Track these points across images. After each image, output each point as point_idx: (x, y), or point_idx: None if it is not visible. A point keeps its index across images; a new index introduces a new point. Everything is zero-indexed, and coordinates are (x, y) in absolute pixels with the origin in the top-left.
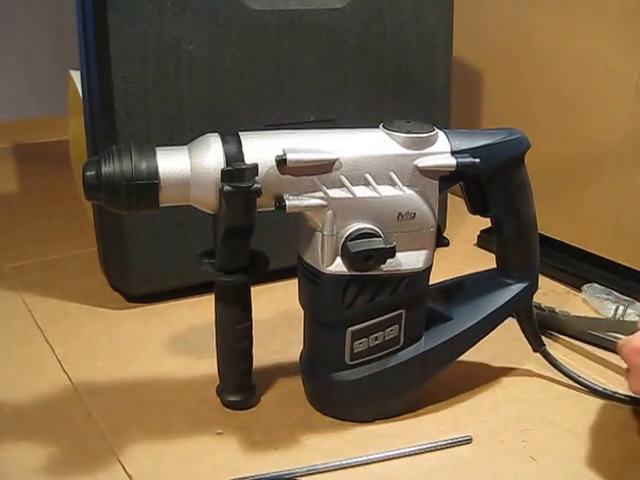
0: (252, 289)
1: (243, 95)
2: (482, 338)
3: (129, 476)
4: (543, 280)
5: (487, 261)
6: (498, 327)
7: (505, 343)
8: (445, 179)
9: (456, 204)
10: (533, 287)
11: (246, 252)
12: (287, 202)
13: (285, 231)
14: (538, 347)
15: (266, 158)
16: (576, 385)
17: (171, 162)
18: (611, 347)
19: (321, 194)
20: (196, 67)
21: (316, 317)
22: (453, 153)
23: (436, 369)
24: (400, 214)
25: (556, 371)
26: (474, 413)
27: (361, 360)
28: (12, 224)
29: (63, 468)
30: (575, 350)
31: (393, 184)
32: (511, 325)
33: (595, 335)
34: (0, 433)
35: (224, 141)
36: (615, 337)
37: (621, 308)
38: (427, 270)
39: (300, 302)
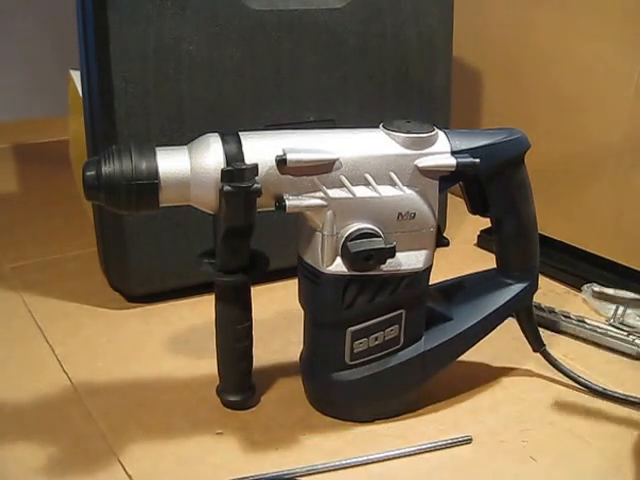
0: (252, 289)
1: (243, 95)
2: (482, 338)
3: (129, 476)
4: (543, 280)
5: (487, 261)
6: (498, 327)
7: (505, 343)
8: (445, 179)
9: (456, 204)
10: (533, 287)
11: (246, 252)
12: (287, 202)
13: (285, 231)
14: (538, 347)
15: (266, 158)
16: (576, 385)
17: (171, 162)
18: (611, 347)
19: (321, 194)
20: (196, 67)
21: (316, 317)
22: (453, 153)
23: (436, 369)
24: (400, 214)
25: (556, 371)
26: (474, 413)
27: (361, 360)
28: (12, 224)
29: (63, 468)
30: (575, 350)
31: (393, 184)
32: (511, 325)
33: (595, 335)
34: (0, 433)
35: (224, 141)
36: (615, 337)
37: (621, 308)
38: (427, 270)
39: (300, 302)
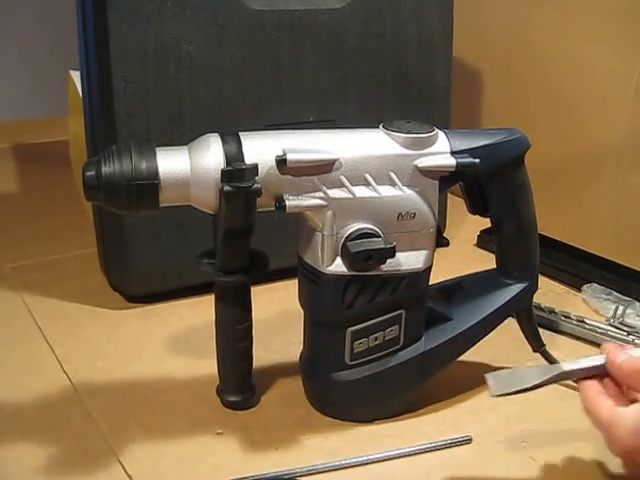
0: (252, 289)
1: (243, 95)
2: (482, 338)
3: (129, 476)
4: (543, 280)
5: (487, 261)
6: (498, 327)
7: (505, 343)
8: (445, 179)
9: (456, 204)
10: (533, 287)
11: (246, 252)
12: (287, 202)
13: (285, 231)
14: (538, 347)
15: (266, 158)
16: (576, 385)
17: (171, 162)
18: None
19: (321, 194)
20: (196, 67)
21: (316, 317)
22: (453, 153)
23: (436, 369)
24: (400, 214)
25: None
26: (474, 413)
27: (361, 360)
28: (12, 224)
29: (63, 468)
30: (575, 350)
31: (393, 184)
32: (511, 325)
33: (595, 335)
34: (0, 433)
35: (224, 141)
36: (615, 337)
37: (621, 308)
38: (427, 270)
39: (300, 302)
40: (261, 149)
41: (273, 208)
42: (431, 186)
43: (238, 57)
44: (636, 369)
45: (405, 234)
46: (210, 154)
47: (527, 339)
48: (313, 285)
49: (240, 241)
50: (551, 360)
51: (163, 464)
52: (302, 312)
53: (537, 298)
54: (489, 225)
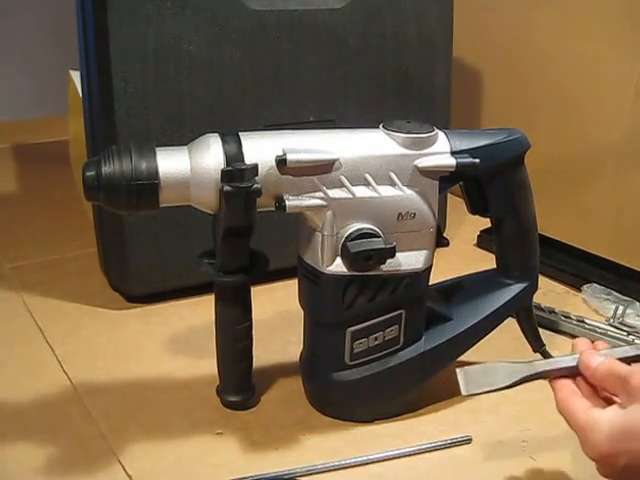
0: (252, 289)
1: (243, 95)
2: (482, 338)
3: (129, 476)
4: (543, 280)
5: (487, 261)
6: (498, 327)
7: (505, 343)
8: (445, 179)
9: (456, 204)
10: (533, 287)
11: (246, 252)
12: (287, 202)
13: (285, 231)
14: (538, 347)
15: (266, 158)
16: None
17: (171, 162)
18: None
19: (321, 194)
20: (196, 67)
21: (316, 317)
22: (453, 153)
23: (436, 369)
24: (400, 214)
25: None
26: (474, 413)
27: (361, 360)
28: (12, 224)
29: (63, 468)
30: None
31: (393, 184)
32: (511, 325)
33: (595, 335)
34: (0, 433)
35: (224, 141)
36: (615, 337)
37: (621, 308)
38: (427, 270)
39: (300, 302)
40: (261, 149)
41: (273, 208)
42: (431, 186)
43: (238, 57)
44: (610, 372)
45: (405, 234)
46: (210, 154)
47: (527, 339)
48: (313, 285)
49: (240, 241)
50: None
51: (163, 464)
52: (302, 312)
53: (537, 298)
54: (489, 225)
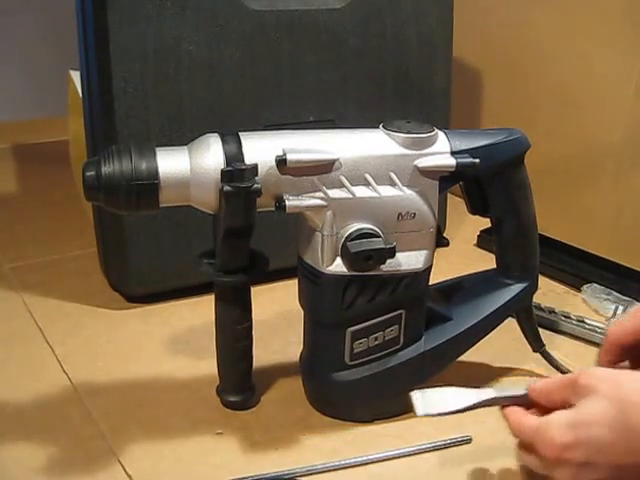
0: (252, 289)
1: (243, 95)
2: (482, 338)
3: (129, 476)
4: (543, 280)
5: (487, 261)
6: (498, 327)
7: (505, 343)
8: (445, 179)
9: (456, 204)
10: (533, 287)
11: (246, 252)
12: (287, 202)
13: (285, 231)
14: (538, 347)
15: (266, 158)
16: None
17: (171, 162)
18: None
19: (321, 194)
20: (196, 67)
21: (316, 317)
22: (453, 153)
23: (436, 369)
24: (400, 214)
25: (556, 371)
26: (474, 413)
27: (361, 360)
28: (12, 224)
29: (63, 468)
30: (575, 350)
31: (393, 184)
32: (511, 325)
33: (595, 335)
34: (0, 433)
35: (224, 141)
36: None
37: (620, 308)
38: (427, 270)
39: (300, 302)
40: (261, 149)
41: (273, 208)
42: (431, 186)
43: (238, 57)
44: (559, 382)
45: (405, 234)
46: (210, 154)
47: (527, 339)
48: (313, 285)
49: (240, 241)
50: (551, 360)
51: (163, 464)
52: (302, 312)
53: (537, 298)
54: (489, 225)
